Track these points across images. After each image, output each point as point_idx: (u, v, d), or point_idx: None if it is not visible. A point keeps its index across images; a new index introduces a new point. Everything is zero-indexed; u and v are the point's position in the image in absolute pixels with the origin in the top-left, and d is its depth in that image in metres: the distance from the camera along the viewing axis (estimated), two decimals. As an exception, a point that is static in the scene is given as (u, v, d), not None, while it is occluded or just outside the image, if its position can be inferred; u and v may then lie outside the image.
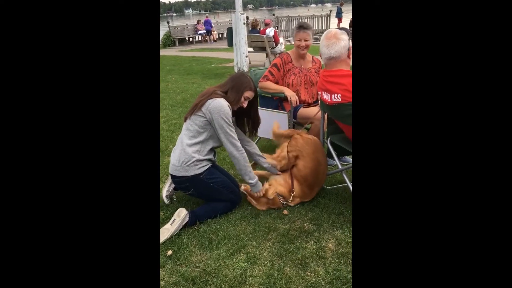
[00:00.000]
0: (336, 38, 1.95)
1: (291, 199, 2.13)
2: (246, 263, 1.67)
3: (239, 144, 2.02)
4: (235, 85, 2.05)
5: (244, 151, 2.06)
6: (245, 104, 2.09)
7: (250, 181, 2.08)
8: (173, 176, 2.04)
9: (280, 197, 2.12)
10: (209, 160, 2.04)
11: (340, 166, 2.20)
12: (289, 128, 2.64)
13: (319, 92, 2.09)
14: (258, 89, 2.81)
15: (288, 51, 2.87)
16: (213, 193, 2.04)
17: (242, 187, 2.18)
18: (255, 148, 2.26)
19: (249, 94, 2.08)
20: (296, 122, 2.76)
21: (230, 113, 1.98)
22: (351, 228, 1.89)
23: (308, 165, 2.15)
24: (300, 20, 13.19)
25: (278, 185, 2.15)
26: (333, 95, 1.92)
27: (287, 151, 2.23)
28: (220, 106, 1.94)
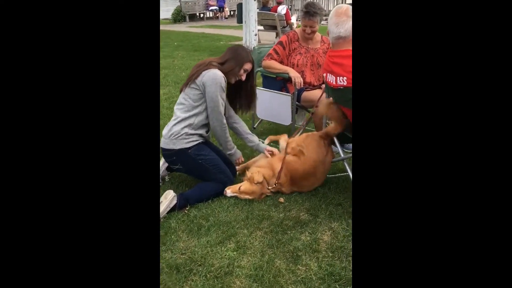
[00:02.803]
0: (346, 15, 1.79)
1: (273, 185, 2.00)
2: (235, 252, 1.58)
3: (221, 117, 1.97)
4: (234, 57, 2.01)
5: (226, 126, 2.01)
6: (244, 77, 2.05)
7: (228, 152, 2.09)
8: (161, 150, 1.98)
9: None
10: (200, 135, 1.97)
11: (342, 154, 2.07)
12: (292, 111, 2.51)
13: (324, 74, 1.94)
14: (261, 68, 2.66)
15: (296, 29, 2.69)
16: (201, 171, 1.97)
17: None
18: (243, 126, 2.19)
19: (248, 66, 2.04)
20: (300, 106, 2.62)
21: (223, 84, 1.92)
22: (350, 221, 1.78)
23: (304, 167, 2.01)
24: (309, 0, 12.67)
25: (259, 168, 2.03)
26: (338, 78, 1.77)
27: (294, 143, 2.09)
28: (214, 76, 1.89)
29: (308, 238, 1.68)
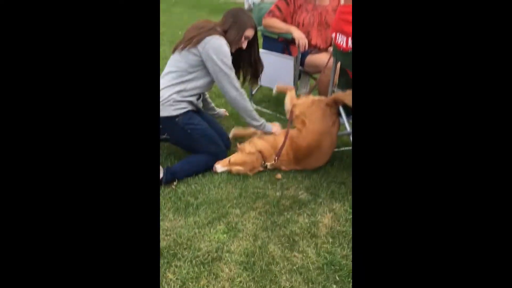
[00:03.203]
0: None
1: (273, 161, 1.81)
2: (225, 235, 1.43)
3: (238, 85, 1.82)
4: (235, 23, 1.79)
5: (243, 91, 1.83)
6: (244, 45, 1.84)
7: (257, 123, 1.88)
8: None
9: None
10: (189, 102, 1.78)
11: (348, 127, 1.88)
12: (294, 76, 2.26)
13: (333, 35, 1.69)
14: (261, 27, 2.38)
15: (302, -18, 2.37)
16: (190, 142, 1.80)
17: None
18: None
19: (249, 32, 1.82)
20: (303, 71, 2.37)
21: (229, 55, 1.75)
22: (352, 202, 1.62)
23: (307, 140, 1.80)
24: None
25: (259, 138, 1.85)
26: (350, 39, 1.52)
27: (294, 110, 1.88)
28: (219, 46, 1.71)
29: (307, 220, 1.52)
